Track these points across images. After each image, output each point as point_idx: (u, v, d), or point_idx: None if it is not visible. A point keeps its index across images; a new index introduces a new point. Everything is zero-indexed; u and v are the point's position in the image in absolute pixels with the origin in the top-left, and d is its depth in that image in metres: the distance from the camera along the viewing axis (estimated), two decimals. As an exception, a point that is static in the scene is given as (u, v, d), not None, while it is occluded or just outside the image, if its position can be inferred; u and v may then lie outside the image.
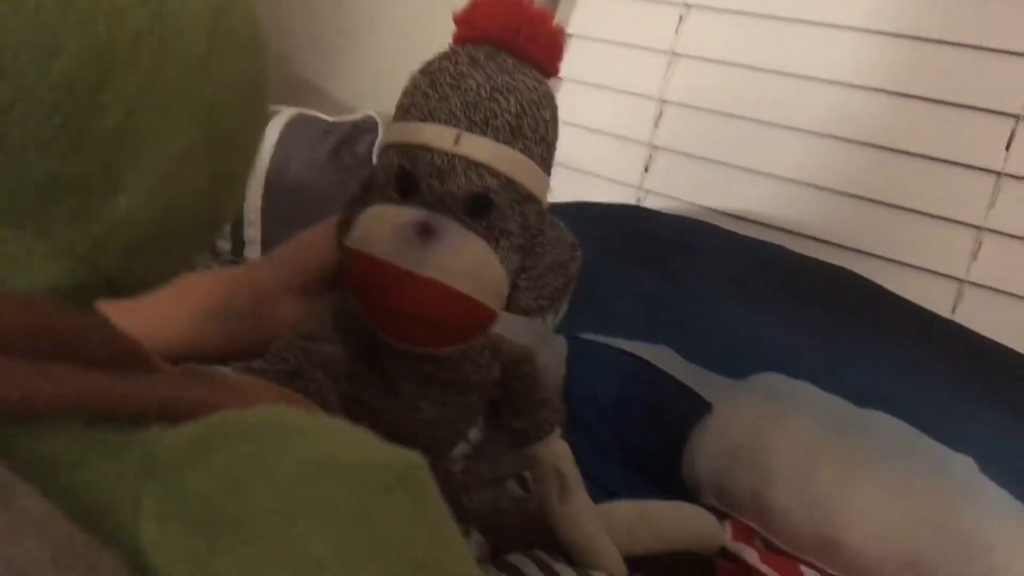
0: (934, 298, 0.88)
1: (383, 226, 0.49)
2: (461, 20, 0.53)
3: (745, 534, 0.69)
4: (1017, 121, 0.89)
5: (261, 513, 0.24)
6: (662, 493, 0.73)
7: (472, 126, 0.48)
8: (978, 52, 0.90)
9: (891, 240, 0.95)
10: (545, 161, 0.52)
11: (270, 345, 0.50)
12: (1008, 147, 0.89)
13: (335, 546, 0.24)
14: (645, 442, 0.76)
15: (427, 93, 0.50)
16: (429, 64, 0.52)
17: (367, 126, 1.28)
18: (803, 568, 0.64)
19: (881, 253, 0.96)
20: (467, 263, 0.48)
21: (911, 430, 0.68)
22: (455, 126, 0.48)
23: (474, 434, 0.76)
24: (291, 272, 0.56)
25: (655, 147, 1.14)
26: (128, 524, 0.24)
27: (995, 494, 0.63)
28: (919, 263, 0.94)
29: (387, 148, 0.51)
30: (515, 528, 0.64)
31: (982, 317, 0.87)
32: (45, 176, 0.26)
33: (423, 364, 0.53)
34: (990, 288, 0.90)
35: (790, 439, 0.69)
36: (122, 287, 0.29)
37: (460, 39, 0.53)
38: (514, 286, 0.52)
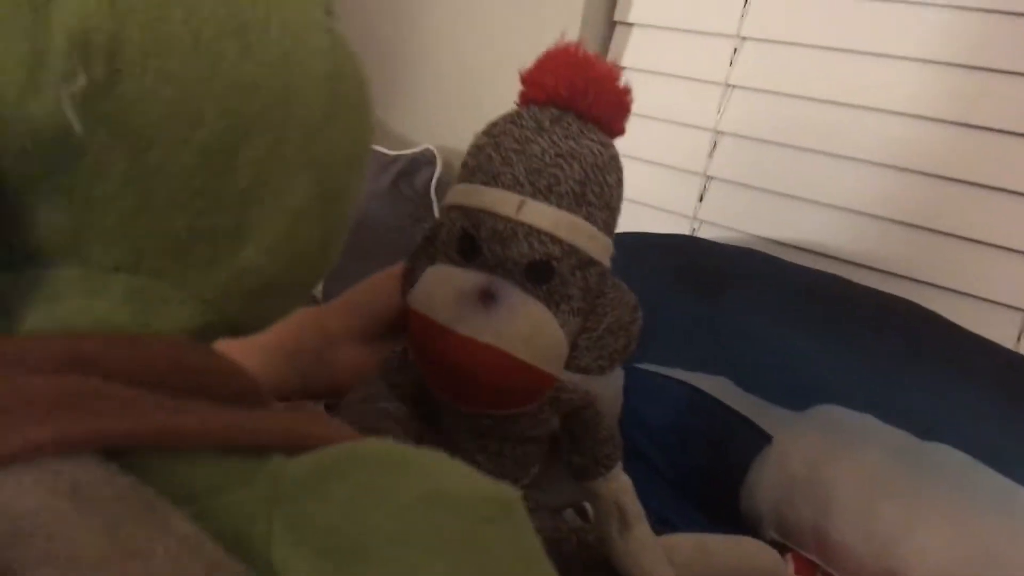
0: (998, 329, 0.87)
1: (445, 290, 0.49)
2: (528, 80, 0.52)
3: (807, 568, 0.69)
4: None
5: (381, 540, 0.26)
6: (721, 525, 0.73)
7: (536, 193, 0.48)
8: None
9: (951, 270, 0.94)
10: (608, 225, 0.51)
11: (330, 385, 0.52)
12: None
13: (449, 571, 0.26)
14: (704, 473, 0.77)
15: (491, 156, 0.50)
16: (494, 126, 0.52)
17: (425, 159, 1.32)
18: (866, 604, 0.64)
19: (941, 283, 0.95)
20: (527, 330, 0.48)
21: (975, 463, 0.67)
22: (519, 192, 0.48)
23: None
24: (357, 317, 0.58)
25: (709, 177, 1.15)
26: (262, 549, 0.26)
27: (1063, 531, 0.62)
28: (981, 294, 0.92)
29: (451, 208, 0.52)
30: (573, 558, 0.65)
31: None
32: (183, 231, 0.29)
33: (481, 420, 0.53)
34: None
35: (851, 472, 0.69)
36: (240, 327, 0.32)
37: (526, 99, 0.53)
38: (575, 346, 0.51)
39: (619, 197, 0.52)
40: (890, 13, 0.98)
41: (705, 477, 0.77)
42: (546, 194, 0.48)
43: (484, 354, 0.47)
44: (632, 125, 1.28)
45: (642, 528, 0.61)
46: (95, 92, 0.26)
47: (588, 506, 0.72)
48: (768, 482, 0.73)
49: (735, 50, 1.11)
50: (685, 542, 0.65)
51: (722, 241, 1.07)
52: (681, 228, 1.16)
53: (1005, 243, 0.91)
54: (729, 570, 0.65)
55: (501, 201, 0.48)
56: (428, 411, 0.54)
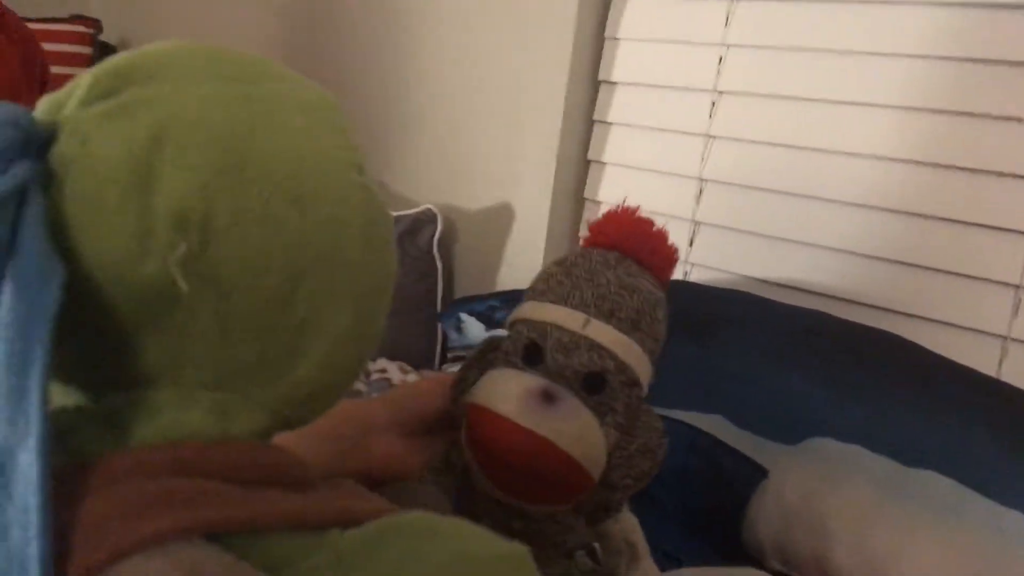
0: (979, 357, 0.91)
1: (509, 387, 0.56)
2: (597, 229, 0.62)
3: (810, 596, 0.72)
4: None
5: None
6: (724, 558, 0.77)
7: (599, 314, 0.57)
8: (1007, 122, 0.94)
9: (932, 301, 0.98)
10: (653, 354, 0.59)
11: (365, 469, 0.57)
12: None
13: None
14: (706, 508, 0.81)
15: (562, 281, 0.59)
16: (565, 259, 0.61)
17: (427, 218, 1.37)
18: (866, 627, 0.67)
19: (923, 314, 0.99)
20: (579, 431, 0.55)
21: (961, 488, 0.71)
22: (585, 312, 0.57)
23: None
24: (399, 413, 0.62)
25: (698, 223, 1.20)
26: None
27: (1047, 548, 0.65)
28: (961, 322, 0.97)
29: (517, 322, 0.60)
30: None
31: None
32: (252, 356, 0.36)
33: (512, 521, 0.58)
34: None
35: (845, 502, 0.73)
36: (294, 424, 0.40)
37: (593, 243, 0.62)
38: (609, 461, 0.57)
39: (664, 333, 0.60)
40: (858, 64, 1.04)
41: (709, 513, 0.81)
42: (608, 317, 0.57)
43: (541, 447, 0.54)
44: (621, 175, 1.34)
45: (648, 563, 0.65)
46: (191, 256, 0.33)
47: (598, 547, 0.75)
48: (767, 515, 0.76)
49: (713, 103, 1.17)
50: (689, 576, 0.69)
51: (713, 283, 1.11)
52: (675, 274, 1.21)
53: (981, 274, 0.96)
54: (732, 601, 0.69)
55: (569, 317, 0.57)
56: (466, 508, 0.60)
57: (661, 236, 0.62)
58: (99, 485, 0.32)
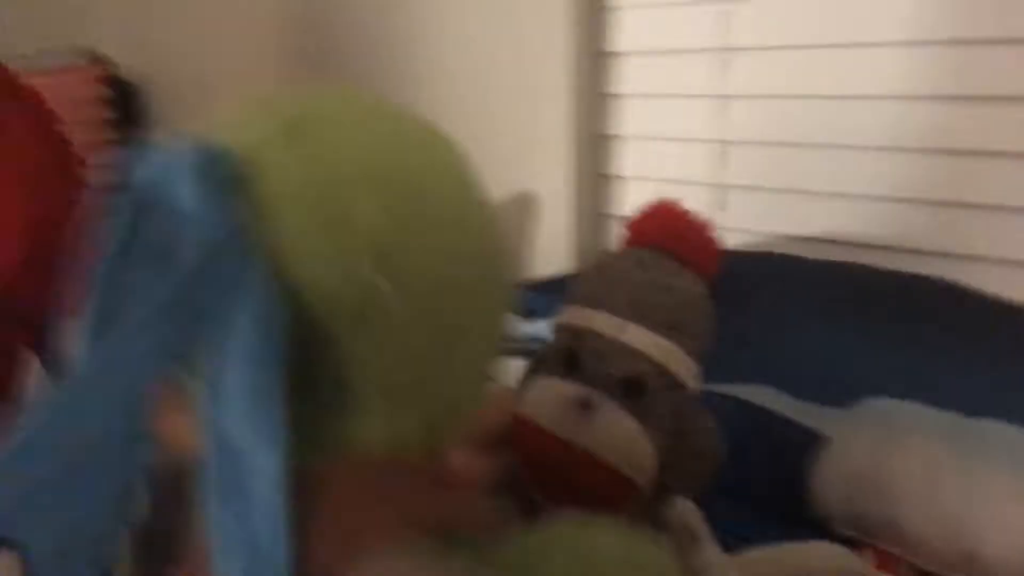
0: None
1: (548, 398, 0.55)
2: (633, 228, 0.61)
3: (888, 561, 0.70)
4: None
5: None
6: (792, 530, 0.75)
7: (636, 318, 0.55)
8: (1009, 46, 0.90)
9: (974, 239, 0.95)
10: (696, 354, 0.58)
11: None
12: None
13: None
14: (767, 482, 0.79)
15: (597, 284, 0.58)
16: (602, 259, 0.61)
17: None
18: (946, 589, 0.65)
19: (967, 253, 0.95)
20: (618, 440, 0.54)
21: (1027, 433, 0.68)
22: (621, 316, 0.55)
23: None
24: (471, 427, 0.63)
25: (726, 187, 1.17)
26: None
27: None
28: (1008, 256, 0.93)
29: (560, 328, 0.59)
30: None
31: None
32: (417, 374, 0.40)
33: None
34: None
35: (909, 460, 0.70)
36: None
37: (631, 243, 0.61)
38: (663, 465, 0.57)
39: (707, 330, 0.59)
40: (867, 2, 1.00)
41: (770, 487, 0.79)
42: (644, 320, 0.55)
43: (579, 458, 0.53)
44: (641, 147, 1.31)
45: (712, 549, 0.63)
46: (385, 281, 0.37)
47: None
48: (831, 481, 0.74)
49: (724, 62, 1.14)
50: (759, 556, 0.67)
51: (746, 247, 1.09)
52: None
53: (1018, 203, 0.92)
54: (806, 575, 0.67)
55: (606, 323, 0.56)
56: (526, 516, 0.59)
57: (700, 228, 0.60)
58: (322, 491, 0.36)
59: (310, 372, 0.37)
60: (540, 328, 0.69)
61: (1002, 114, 0.92)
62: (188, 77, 1.75)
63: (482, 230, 0.42)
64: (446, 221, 0.40)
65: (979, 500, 0.66)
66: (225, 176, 0.36)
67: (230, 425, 0.34)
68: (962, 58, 0.94)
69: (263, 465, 0.33)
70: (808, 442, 0.76)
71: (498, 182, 1.48)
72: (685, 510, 0.64)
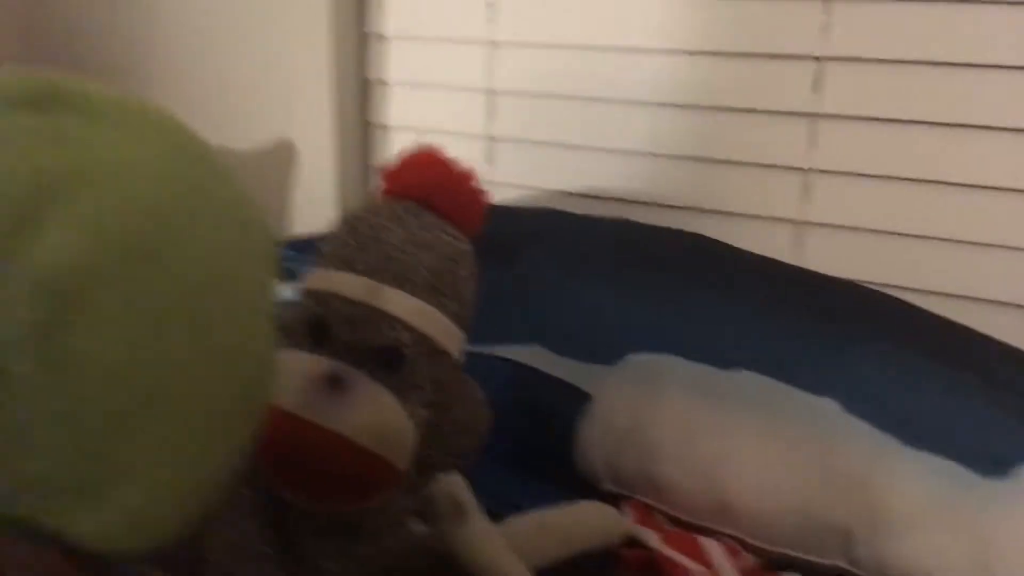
0: (775, 243, 0.93)
1: (292, 376, 0.47)
2: (388, 176, 0.54)
3: (646, 514, 0.71)
4: (818, 63, 0.94)
5: None
6: (562, 491, 0.74)
7: (389, 279, 0.49)
8: (783, 3, 0.93)
9: (727, 194, 0.99)
10: (460, 318, 0.52)
11: None
12: (815, 89, 0.94)
13: None
14: (536, 444, 0.77)
15: (347, 242, 0.50)
16: (352, 213, 0.52)
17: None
18: (701, 540, 0.67)
19: (721, 208, 1.00)
20: (375, 419, 0.48)
21: (774, 383, 0.71)
22: (375, 278, 0.49)
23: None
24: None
25: (493, 139, 1.14)
26: None
27: (862, 430, 0.67)
28: (756, 211, 0.98)
29: (305, 294, 0.51)
30: (423, 569, 0.64)
31: (825, 254, 0.93)
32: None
33: (321, 521, 0.51)
34: (827, 225, 0.95)
35: (667, 414, 0.72)
36: None
37: (386, 193, 0.54)
38: (423, 442, 0.51)
39: (471, 291, 0.54)
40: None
41: (540, 447, 0.77)
42: (400, 281, 0.49)
43: (330, 442, 0.46)
44: (411, 94, 1.25)
45: (477, 517, 0.60)
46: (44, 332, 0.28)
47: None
48: (596, 439, 0.74)
49: (490, 5, 1.10)
50: (524, 522, 0.65)
51: (514, 202, 1.07)
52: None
53: (769, 160, 0.97)
54: (572, 539, 0.66)
55: (354, 286, 0.49)
56: (277, 524, 0.52)
57: (463, 179, 0.54)
58: None
59: None
60: (291, 293, 0.62)
61: (760, 72, 0.96)
62: None
63: (233, 335, 0.35)
64: (180, 301, 0.32)
65: (730, 449, 0.69)
66: None
67: None
68: (725, 14, 0.96)
69: None
70: (575, 402, 0.75)
71: (254, 130, 1.37)
72: (451, 484, 0.60)
